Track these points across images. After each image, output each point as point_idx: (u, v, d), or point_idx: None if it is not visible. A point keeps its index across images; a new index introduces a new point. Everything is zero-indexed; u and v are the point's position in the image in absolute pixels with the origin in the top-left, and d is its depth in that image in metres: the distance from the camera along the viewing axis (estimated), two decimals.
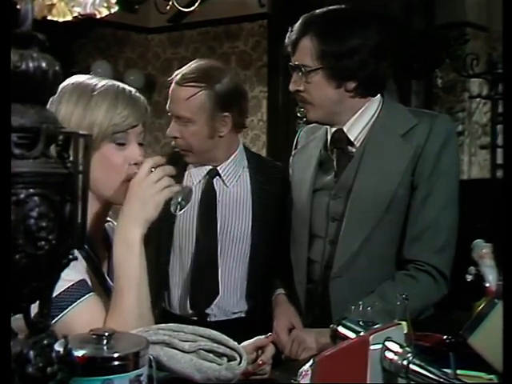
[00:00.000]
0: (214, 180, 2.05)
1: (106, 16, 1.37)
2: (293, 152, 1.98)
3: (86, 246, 1.28)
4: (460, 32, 4.38)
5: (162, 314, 2.00)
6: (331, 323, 1.65)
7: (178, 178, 2.02)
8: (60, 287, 1.15)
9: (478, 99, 4.75)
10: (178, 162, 2.03)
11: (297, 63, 1.73)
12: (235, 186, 2.05)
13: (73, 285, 1.19)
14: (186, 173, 2.08)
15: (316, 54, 1.68)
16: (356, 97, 1.74)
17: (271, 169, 2.13)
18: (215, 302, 1.99)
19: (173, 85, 1.98)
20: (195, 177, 2.06)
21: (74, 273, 1.20)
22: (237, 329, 1.63)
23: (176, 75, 1.98)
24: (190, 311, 2.00)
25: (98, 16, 0.97)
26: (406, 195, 1.70)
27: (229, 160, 2.05)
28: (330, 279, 1.73)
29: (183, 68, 2.01)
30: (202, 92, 1.93)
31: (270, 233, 2.01)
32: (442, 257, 1.70)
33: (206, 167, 2.05)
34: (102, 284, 1.32)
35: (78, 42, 4.54)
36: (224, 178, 2.04)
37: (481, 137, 4.89)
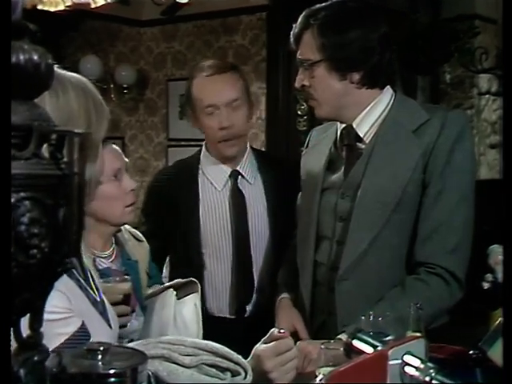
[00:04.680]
0: (238, 181, 2.20)
1: (99, 7, 1.35)
2: (304, 152, 2.01)
3: None
4: (469, 25, 4.37)
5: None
6: (338, 329, 1.66)
7: (192, 183, 2.20)
8: (56, 336, 1.10)
9: (487, 96, 4.74)
10: (191, 169, 2.24)
11: (300, 57, 1.76)
12: (255, 183, 2.22)
13: (74, 334, 1.15)
14: (201, 179, 2.21)
15: (317, 47, 1.72)
16: (362, 88, 1.75)
17: (278, 166, 2.29)
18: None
19: (207, 78, 2.16)
20: (217, 182, 2.20)
21: (64, 308, 1.16)
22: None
23: (203, 72, 2.17)
24: (229, 310, 2.17)
25: (93, 5, 0.95)
26: (416, 193, 1.70)
27: (245, 157, 2.22)
28: (337, 281, 1.73)
29: (199, 68, 2.22)
30: (238, 75, 2.22)
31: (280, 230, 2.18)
32: (455, 258, 1.68)
33: (226, 170, 2.19)
34: (85, 294, 1.29)
35: (66, 36, 4.52)
36: (246, 176, 2.21)
37: (490, 135, 4.88)
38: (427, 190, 1.70)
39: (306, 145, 2.02)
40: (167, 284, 1.81)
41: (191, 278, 1.80)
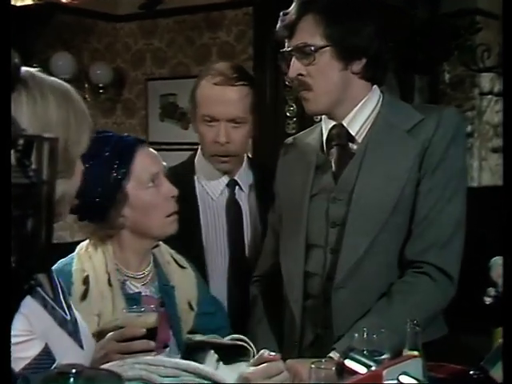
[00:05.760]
0: (236, 191, 2.19)
1: (72, 0, 1.35)
2: (279, 161, 2.03)
3: None
4: (470, 20, 4.40)
5: None
6: (334, 343, 1.66)
7: (190, 193, 2.16)
8: (16, 361, 1.09)
9: (489, 96, 4.77)
10: (185, 176, 2.19)
11: (300, 43, 1.77)
12: (250, 194, 2.21)
13: (35, 358, 1.14)
14: (198, 186, 2.19)
15: (321, 33, 1.75)
16: (360, 80, 1.80)
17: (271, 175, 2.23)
18: None
19: (213, 87, 2.09)
20: (213, 191, 2.19)
21: (24, 330, 1.15)
22: None
23: (212, 77, 2.10)
24: None
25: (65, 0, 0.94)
26: (413, 194, 1.74)
27: (243, 166, 2.21)
28: (333, 291, 1.75)
29: (211, 69, 2.15)
30: (250, 90, 2.11)
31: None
32: (445, 254, 1.72)
33: (223, 179, 2.18)
34: (52, 314, 1.27)
35: (35, 31, 4.50)
36: (242, 186, 2.20)
37: (492, 138, 4.91)
38: (419, 187, 1.74)
39: (280, 153, 2.04)
40: (211, 339, 1.63)
41: (243, 342, 1.62)
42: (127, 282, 1.71)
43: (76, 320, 1.36)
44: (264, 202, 2.16)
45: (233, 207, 2.18)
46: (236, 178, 2.19)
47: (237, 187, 2.20)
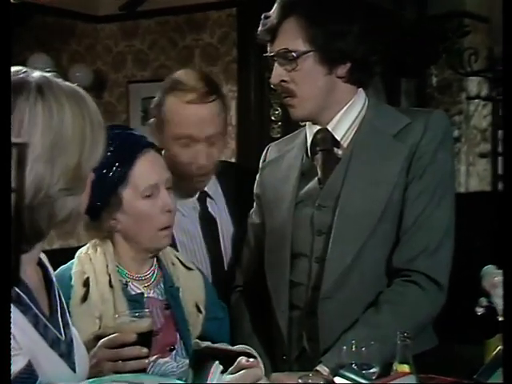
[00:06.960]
0: (207, 204, 2.11)
1: None
2: (260, 166, 2.00)
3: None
4: (458, 23, 4.42)
5: None
6: (321, 355, 1.64)
7: None
8: None
9: (476, 100, 4.79)
10: None
11: (282, 48, 1.75)
12: (220, 202, 2.13)
13: (16, 375, 1.09)
14: None
15: (305, 37, 1.73)
16: (346, 84, 1.79)
17: (242, 177, 2.18)
18: None
19: (187, 106, 1.98)
20: (183, 207, 2.07)
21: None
22: None
23: (183, 94, 1.98)
24: None
25: None
26: (401, 199, 1.73)
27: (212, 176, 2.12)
28: (319, 302, 1.73)
29: (179, 83, 2.02)
30: (222, 103, 2.04)
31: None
32: (434, 260, 1.71)
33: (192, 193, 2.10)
34: (43, 333, 1.22)
35: (11, 31, 4.47)
36: (213, 196, 2.12)
37: (480, 143, 4.93)
38: (407, 192, 1.73)
39: (262, 160, 2.01)
40: (218, 346, 1.51)
41: (247, 349, 1.48)
42: (129, 284, 1.70)
43: (72, 340, 1.30)
44: (240, 208, 2.09)
45: (207, 221, 2.10)
46: (206, 189, 2.11)
47: (208, 199, 2.11)
